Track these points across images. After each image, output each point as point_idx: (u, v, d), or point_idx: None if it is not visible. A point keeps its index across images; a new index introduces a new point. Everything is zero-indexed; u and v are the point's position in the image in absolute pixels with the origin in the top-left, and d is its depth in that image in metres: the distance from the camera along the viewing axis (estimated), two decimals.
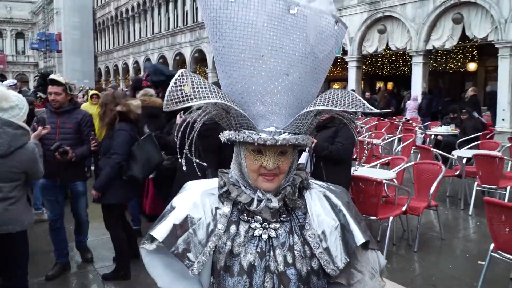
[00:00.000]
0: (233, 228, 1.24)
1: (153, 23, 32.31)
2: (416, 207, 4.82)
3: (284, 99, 1.18)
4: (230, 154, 4.77)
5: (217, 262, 1.23)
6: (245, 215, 1.25)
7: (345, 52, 17.45)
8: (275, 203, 1.21)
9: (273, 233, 1.23)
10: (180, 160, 1.30)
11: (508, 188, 5.88)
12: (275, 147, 1.18)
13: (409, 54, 15.74)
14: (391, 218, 4.60)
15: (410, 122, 12.47)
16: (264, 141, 1.16)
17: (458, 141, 8.36)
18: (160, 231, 1.22)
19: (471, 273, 4.27)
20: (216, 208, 1.26)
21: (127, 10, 36.34)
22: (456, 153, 6.99)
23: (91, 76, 40.78)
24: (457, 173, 6.65)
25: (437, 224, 5.38)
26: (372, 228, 5.20)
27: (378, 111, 1.17)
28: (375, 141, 7.89)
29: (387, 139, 9.52)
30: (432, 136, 9.48)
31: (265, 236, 1.22)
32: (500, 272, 4.21)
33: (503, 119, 12.94)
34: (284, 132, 1.18)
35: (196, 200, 1.27)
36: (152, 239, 1.23)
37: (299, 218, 1.26)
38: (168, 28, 30.25)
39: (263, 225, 1.24)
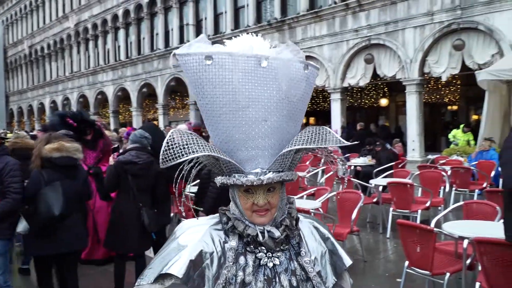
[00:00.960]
0: (242, 260, 1.33)
1: (71, 61, 31.31)
2: (340, 233, 5.13)
3: (266, 142, 1.32)
4: (162, 193, 4.81)
5: None
6: (252, 246, 1.35)
7: None
8: (277, 233, 1.33)
9: (277, 261, 1.35)
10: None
11: (419, 211, 6.45)
12: (262, 185, 1.31)
13: (328, 91, 16.77)
14: None
15: (332, 154, 13.18)
16: (251, 182, 1.28)
17: (374, 171, 9.04)
18: (177, 267, 1.28)
19: None
20: (224, 242, 1.35)
21: (42, 48, 34.98)
22: (373, 181, 7.54)
23: (2, 117, 38.32)
24: (374, 200, 7.16)
25: (360, 248, 5.73)
26: None
27: (348, 143, 1.33)
28: (300, 174, 8.27)
29: (311, 171, 10.00)
30: (352, 167, 10.12)
31: (270, 264, 1.34)
32: (416, 286, 4.60)
33: (413, 149, 14.13)
34: (269, 172, 1.30)
35: (205, 236, 1.35)
36: (158, 279, 1.29)
37: (294, 246, 1.40)
38: (89, 67, 29.48)
39: (267, 254, 1.35)
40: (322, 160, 12.30)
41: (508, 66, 9.54)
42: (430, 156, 12.28)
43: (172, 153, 1.24)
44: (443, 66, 13.46)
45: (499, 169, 8.77)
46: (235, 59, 1.29)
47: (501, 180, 8.59)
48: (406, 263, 4.16)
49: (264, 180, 1.29)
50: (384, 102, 20.69)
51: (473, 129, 13.18)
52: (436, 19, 13.33)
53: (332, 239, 1.48)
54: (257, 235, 1.32)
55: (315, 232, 1.45)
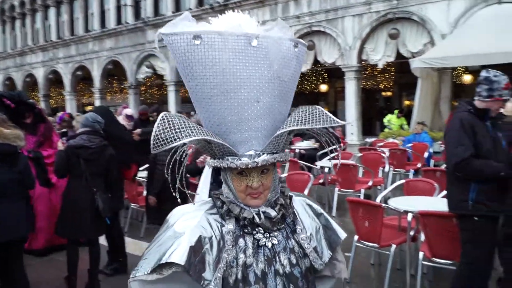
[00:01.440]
0: (241, 242, 1.32)
1: None
2: None
3: (259, 124, 1.29)
4: (115, 177, 4.74)
5: (230, 277, 1.28)
6: (249, 228, 1.34)
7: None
8: (274, 213, 1.34)
9: (275, 241, 1.35)
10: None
11: (362, 190, 6.82)
12: (256, 168, 1.29)
13: None
14: None
15: (331, 134, 13.42)
16: (246, 165, 1.27)
17: (318, 154, 9.38)
18: (178, 255, 1.23)
19: None
20: (221, 226, 1.33)
21: None
22: (319, 163, 7.85)
23: None
24: (321, 181, 7.48)
25: None
26: None
27: (343, 123, 1.34)
28: None
29: None
30: (297, 151, 10.42)
31: (269, 244, 1.34)
32: (362, 259, 4.92)
33: (352, 133, 14.76)
34: (263, 154, 1.28)
35: (202, 221, 1.32)
36: (156, 270, 1.24)
37: (289, 224, 1.41)
38: (15, 47, 27.54)
39: (264, 234, 1.35)
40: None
41: (439, 54, 10.21)
42: (368, 140, 12.91)
43: (165, 138, 1.20)
44: (380, 53, 14.11)
45: (431, 150, 9.48)
46: (224, 38, 1.24)
47: (432, 161, 9.30)
48: (356, 237, 4.43)
49: (259, 163, 1.28)
50: (324, 87, 21.35)
51: (406, 114, 14.02)
52: (373, 9, 13.90)
53: (325, 214, 1.51)
54: (253, 217, 1.32)
55: (308, 209, 1.48)
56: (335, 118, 1.31)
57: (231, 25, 1.29)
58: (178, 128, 1.22)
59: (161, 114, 1.26)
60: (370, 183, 6.92)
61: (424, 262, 3.97)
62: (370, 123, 19.31)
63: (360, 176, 7.72)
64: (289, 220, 1.42)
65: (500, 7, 11.23)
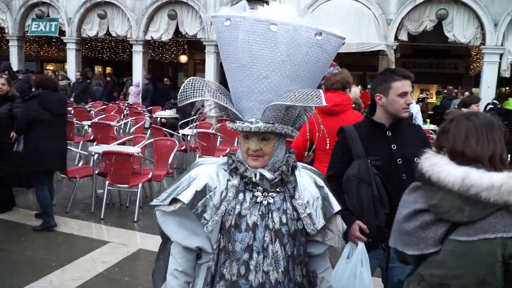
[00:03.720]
0: (241, 196, 1.56)
1: None
2: (158, 175, 5.83)
3: (264, 97, 1.50)
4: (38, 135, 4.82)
5: (226, 222, 1.54)
6: (250, 186, 1.57)
7: (62, 33, 16.92)
8: (269, 175, 1.57)
9: (271, 200, 1.57)
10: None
11: (221, 157, 7.58)
12: (258, 133, 1.52)
13: (130, 42, 16.63)
14: (140, 185, 5.47)
15: (135, 106, 13.42)
16: (242, 128, 1.52)
17: (179, 123, 9.90)
18: (185, 196, 1.52)
19: None
20: (228, 180, 1.58)
21: None
22: (182, 131, 8.39)
23: None
24: (183, 148, 8.06)
25: None
26: (121, 194, 5.97)
27: (325, 104, 1.46)
28: (112, 123, 8.49)
29: (119, 121, 10.23)
30: (158, 119, 10.75)
31: (265, 202, 1.56)
32: None
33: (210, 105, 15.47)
34: (261, 122, 1.50)
35: (212, 172, 1.59)
36: (172, 202, 1.53)
37: (290, 190, 1.61)
38: None
39: (263, 194, 1.57)
40: (125, 112, 12.55)
41: None
42: None
43: (187, 95, 1.50)
44: None
45: None
46: (248, 22, 1.46)
47: None
48: None
49: (252, 128, 1.49)
50: (184, 58, 21.60)
51: None
52: None
53: (326, 188, 1.68)
54: (252, 177, 1.55)
55: (311, 181, 1.66)
56: (323, 101, 1.46)
57: (263, 12, 1.52)
58: (197, 89, 1.50)
59: (189, 79, 1.56)
60: (227, 150, 7.74)
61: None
62: None
63: (218, 145, 8.50)
64: (291, 187, 1.62)
65: (342, 1, 12.91)
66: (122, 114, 12.28)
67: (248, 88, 1.51)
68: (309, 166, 1.77)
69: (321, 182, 1.68)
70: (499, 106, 2.18)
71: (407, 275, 1.64)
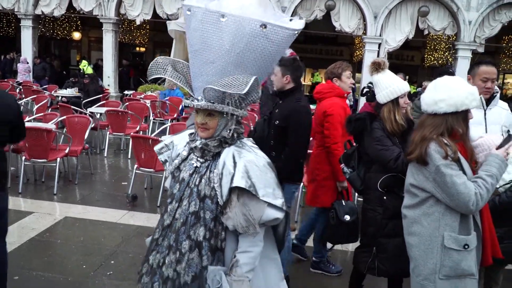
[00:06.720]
0: (184, 154, 1.94)
1: None
2: (75, 150, 6.02)
3: (210, 79, 1.72)
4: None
5: (175, 172, 1.95)
6: (193, 149, 1.90)
7: None
8: (197, 144, 1.86)
9: (198, 164, 1.88)
10: None
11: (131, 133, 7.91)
12: (203, 110, 1.78)
13: (18, 17, 15.50)
14: (58, 159, 5.65)
15: (28, 85, 12.73)
16: (187, 104, 1.83)
17: (83, 102, 9.85)
18: (158, 146, 2.06)
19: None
20: (187, 143, 1.94)
21: None
22: (91, 109, 8.44)
23: None
24: (92, 125, 8.15)
25: (89, 164, 6.75)
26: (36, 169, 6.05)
27: (242, 92, 1.66)
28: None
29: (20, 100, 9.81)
30: (60, 98, 10.49)
31: (194, 164, 1.89)
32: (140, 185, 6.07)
33: (108, 85, 15.12)
34: (204, 100, 1.75)
35: (182, 136, 2.03)
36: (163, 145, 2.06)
37: (216, 161, 1.85)
38: None
39: (197, 159, 1.89)
40: (18, 90, 11.91)
41: None
42: (127, 92, 13.73)
43: (151, 71, 1.79)
44: (137, 10, 14.79)
45: (183, 104, 11.14)
46: (202, 11, 1.66)
47: (184, 113, 10.99)
48: (135, 166, 5.57)
49: (195, 105, 1.76)
50: (77, 35, 20.62)
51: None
52: None
53: (239, 166, 1.78)
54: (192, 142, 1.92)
55: (231, 159, 1.81)
56: (243, 87, 1.66)
57: (221, 2, 1.70)
58: (160, 68, 1.80)
59: (156, 58, 1.84)
60: (137, 128, 8.04)
61: None
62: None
63: (128, 123, 8.72)
64: (220, 160, 1.84)
65: None
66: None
67: (199, 69, 1.74)
68: (247, 143, 1.91)
69: (239, 161, 1.79)
70: (373, 89, 2.73)
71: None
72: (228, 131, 1.83)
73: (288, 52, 3.97)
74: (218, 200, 1.79)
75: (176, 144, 2.02)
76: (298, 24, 1.74)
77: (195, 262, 1.81)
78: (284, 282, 2.07)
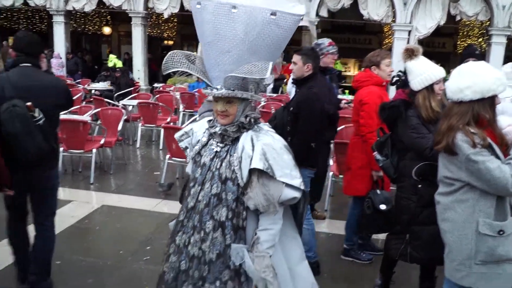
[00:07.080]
0: (204, 140, 2.00)
1: None
2: (109, 141, 6.22)
3: (228, 68, 1.78)
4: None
5: (196, 157, 2.02)
6: (213, 135, 1.97)
7: None
8: (217, 130, 1.93)
9: (218, 148, 1.95)
10: None
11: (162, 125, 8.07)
12: (222, 97, 1.84)
13: (50, 13, 15.92)
14: (94, 150, 5.85)
15: (64, 80, 13.12)
16: (208, 94, 1.87)
17: (115, 94, 10.10)
18: (179, 133, 2.14)
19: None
20: (207, 129, 2.01)
21: None
22: (124, 102, 8.65)
23: None
24: (125, 117, 8.37)
25: (122, 154, 6.97)
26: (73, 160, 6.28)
27: (267, 76, 1.73)
28: None
29: None
30: (93, 91, 10.80)
31: (214, 148, 1.96)
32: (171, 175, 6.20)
33: (139, 78, 15.40)
34: (224, 89, 1.80)
35: (201, 124, 2.09)
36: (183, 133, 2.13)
37: (235, 145, 1.92)
38: None
39: (217, 143, 1.96)
40: None
41: None
42: (157, 84, 13.94)
43: (167, 65, 1.84)
44: (165, 3, 14.94)
45: None
46: (214, 4, 1.73)
47: None
48: (167, 156, 5.70)
49: (215, 94, 1.81)
50: (107, 30, 21.03)
51: None
52: None
53: (257, 149, 1.86)
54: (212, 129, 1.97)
55: (250, 143, 1.90)
56: (266, 71, 1.73)
57: None
58: (176, 61, 1.84)
59: (170, 52, 1.88)
60: (168, 119, 8.19)
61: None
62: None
63: (160, 114, 8.90)
64: (239, 144, 1.91)
65: None
66: None
67: (215, 60, 1.82)
68: (264, 129, 1.98)
69: (258, 144, 1.87)
70: (403, 77, 2.70)
71: None
72: (246, 116, 1.92)
73: (327, 41, 4.10)
74: (239, 181, 1.88)
75: (196, 131, 2.10)
76: (301, 9, 1.84)
77: (218, 240, 1.92)
78: (306, 263, 2.15)
